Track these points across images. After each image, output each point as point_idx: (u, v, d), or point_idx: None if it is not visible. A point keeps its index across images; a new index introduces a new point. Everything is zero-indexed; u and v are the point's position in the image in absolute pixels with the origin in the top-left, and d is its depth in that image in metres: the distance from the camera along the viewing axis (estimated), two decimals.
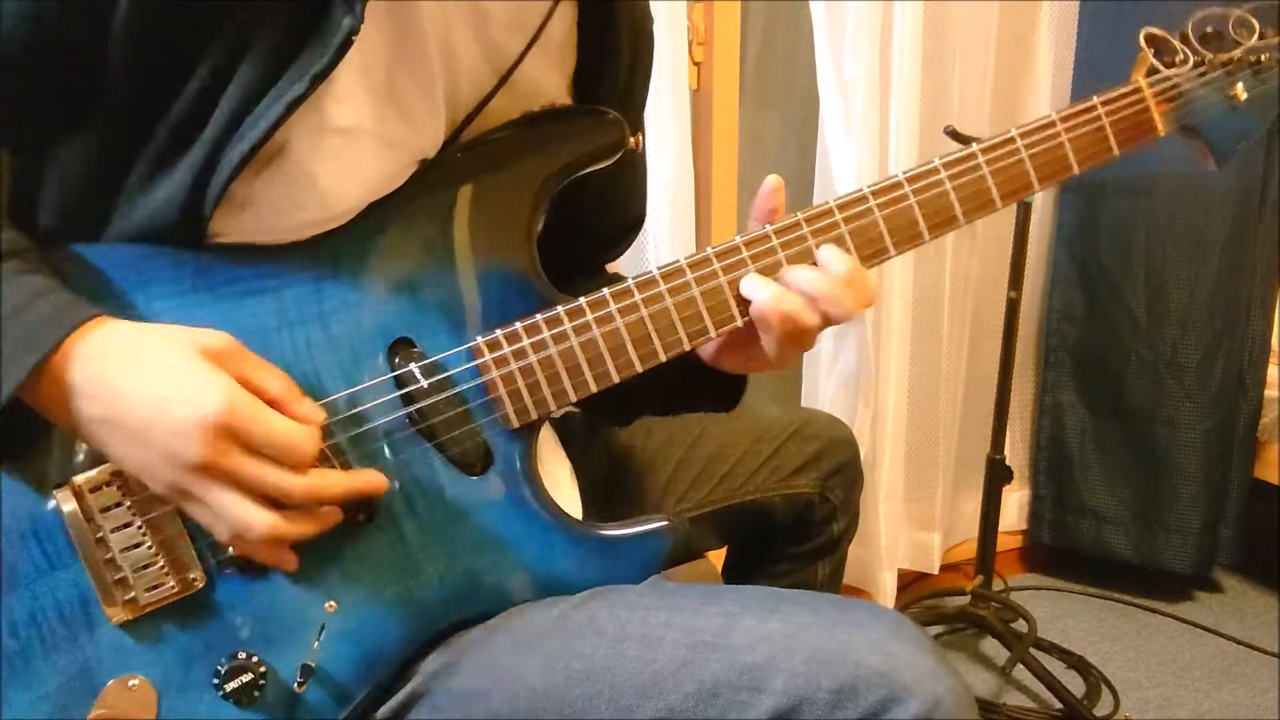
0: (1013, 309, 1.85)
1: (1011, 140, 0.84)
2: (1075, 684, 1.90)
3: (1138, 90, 0.87)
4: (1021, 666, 1.89)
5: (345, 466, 0.74)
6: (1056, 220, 2.20)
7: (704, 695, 0.69)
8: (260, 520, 0.66)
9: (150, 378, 0.64)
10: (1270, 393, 2.15)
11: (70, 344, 0.64)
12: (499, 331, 0.77)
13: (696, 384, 0.90)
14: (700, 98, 1.79)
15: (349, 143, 0.74)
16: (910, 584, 2.20)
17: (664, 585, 0.80)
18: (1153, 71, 0.88)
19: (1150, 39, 0.89)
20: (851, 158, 1.83)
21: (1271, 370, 2.16)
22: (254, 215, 0.73)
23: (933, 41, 1.91)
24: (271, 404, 0.67)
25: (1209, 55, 0.88)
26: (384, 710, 0.76)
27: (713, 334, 0.80)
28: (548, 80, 0.87)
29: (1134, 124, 0.87)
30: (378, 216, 0.77)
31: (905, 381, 2.03)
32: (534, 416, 0.78)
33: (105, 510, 0.70)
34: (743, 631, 0.70)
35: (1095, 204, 2.14)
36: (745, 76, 1.87)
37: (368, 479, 0.72)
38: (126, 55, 0.67)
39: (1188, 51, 0.88)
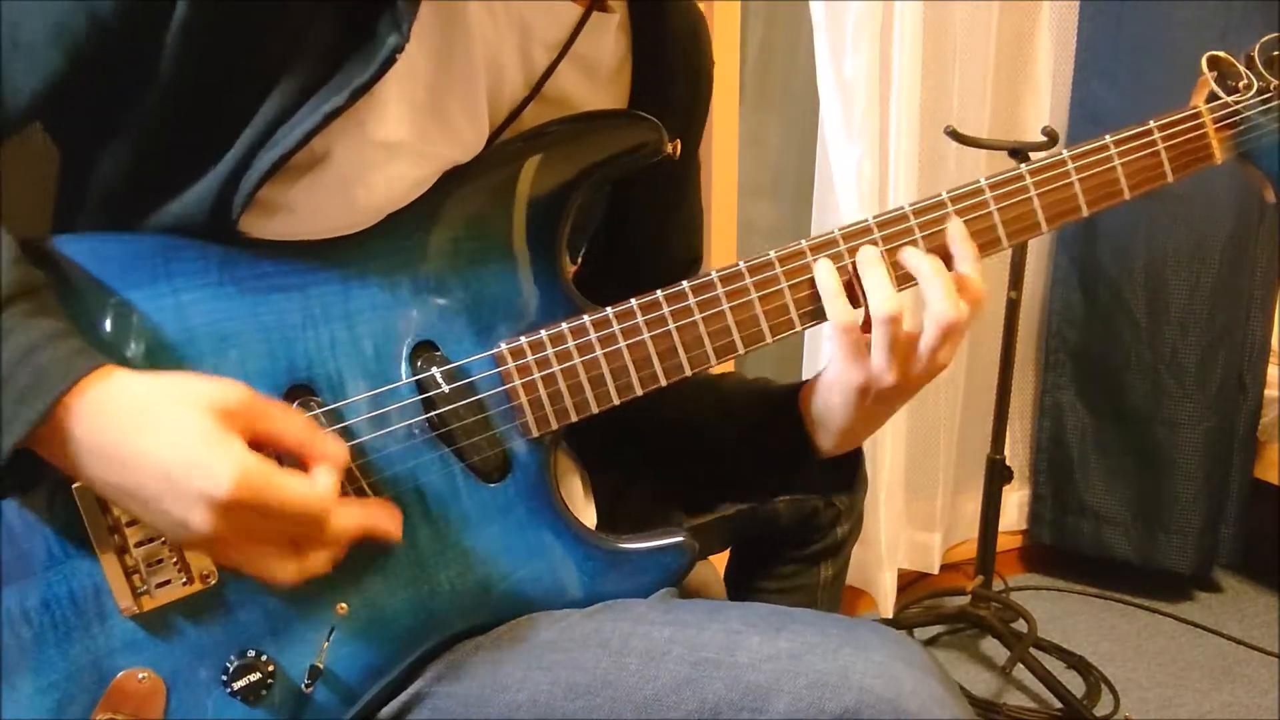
0: (1013, 309, 1.85)
1: (1062, 162, 0.81)
2: (1075, 684, 1.91)
3: (1197, 115, 0.83)
4: (1021, 666, 1.89)
5: (363, 470, 0.73)
6: None
7: (705, 714, 0.69)
8: (278, 574, 0.65)
9: (161, 446, 0.62)
10: (1270, 393, 2.15)
11: (72, 399, 0.61)
12: (523, 339, 0.77)
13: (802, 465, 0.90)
14: None
15: (389, 156, 0.74)
16: (910, 584, 2.20)
17: (670, 600, 0.79)
18: (1213, 97, 0.83)
19: (1213, 61, 0.84)
20: (851, 158, 1.82)
21: (1271, 370, 2.15)
22: (286, 220, 0.73)
23: (933, 41, 1.90)
24: (291, 450, 0.66)
25: (1274, 81, 0.83)
26: (385, 710, 0.76)
27: (740, 350, 0.79)
28: (593, 105, 0.86)
29: (1190, 150, 0.83)
30: (407, 217, 0.76)
31: None
32: (554, 426, 0.78)
33: None
34: (747, 650, 0.70)
35: None
36: (745, 76, 1.86)
37: (383, 522, 0.71)
38: (178, 58, 0.67)
39: (1251, 76, 0.83)
